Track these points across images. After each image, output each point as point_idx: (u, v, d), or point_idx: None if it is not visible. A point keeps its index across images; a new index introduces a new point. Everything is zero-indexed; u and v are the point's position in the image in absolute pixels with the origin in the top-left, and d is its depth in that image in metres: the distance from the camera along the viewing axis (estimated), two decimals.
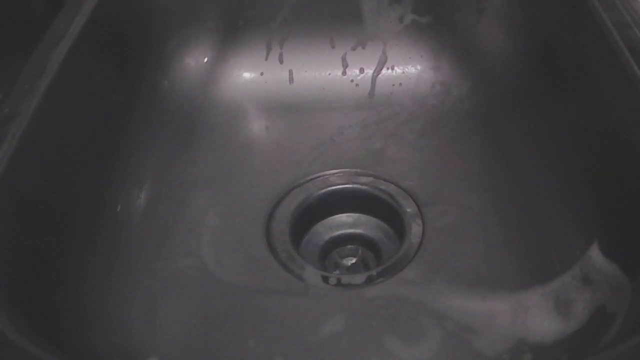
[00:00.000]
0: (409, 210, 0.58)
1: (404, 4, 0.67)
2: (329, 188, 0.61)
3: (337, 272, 0.58)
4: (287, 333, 0.51)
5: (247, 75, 0.68)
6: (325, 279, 0.54)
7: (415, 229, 0.57)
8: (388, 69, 0.68)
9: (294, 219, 0.59)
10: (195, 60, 0.67)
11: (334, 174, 0.62)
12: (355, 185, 0.61)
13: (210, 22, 0.67)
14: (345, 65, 0.68)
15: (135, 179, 0.59)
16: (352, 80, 0.68)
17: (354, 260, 0.59)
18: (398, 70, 0.68)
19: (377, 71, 0.68)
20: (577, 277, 0.50)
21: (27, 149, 0.47)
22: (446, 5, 0.67)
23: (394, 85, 0.68)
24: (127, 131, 0.60)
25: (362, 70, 0.68)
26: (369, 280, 0.54)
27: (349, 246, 0.59)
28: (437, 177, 0.61)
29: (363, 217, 0.60)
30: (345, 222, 0.60)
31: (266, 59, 0.68)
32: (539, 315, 0.50)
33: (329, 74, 0.68)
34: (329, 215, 0.60)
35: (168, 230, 0.57)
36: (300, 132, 0.66)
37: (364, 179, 0.61)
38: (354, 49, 0.68)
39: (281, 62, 0.68)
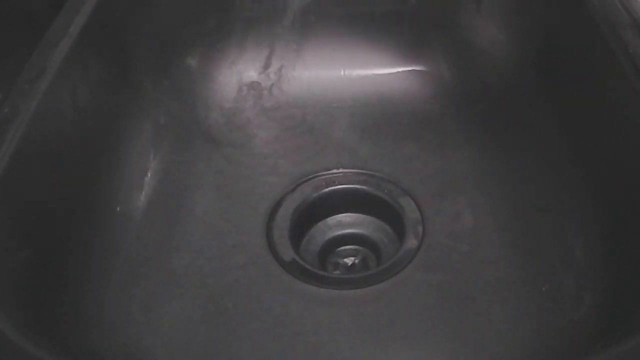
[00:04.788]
0: (409, 210, 0.58)
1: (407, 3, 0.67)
2: (329, 188, 0.61)
3: (337, 272, 0.58)
4: (287, 333, 0.51)
5: (247, 75, 0.68)
6: (325, 279, 0.54)
7: (415, 229, 0.57)
8: (387, 69, 0.68)
9: (294, 219, 0.59)
10: (195, 60, 0.67)
11: (334, 173, 0.62)
12: (355, 185, 0.61)
13: (211, 22, 0.67)
14: (345, 65, 0.68)
15: (135, 179, 0.59)
16: (352, 80, 0.68)
17: (353, 260, 0.59)
18: (397, 70, 0.68)
19: (377, 71, 0.68)
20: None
21: (27, 149, 0.47)
22: (445, 5, 0.67)
23: (394, 85, 0.68)
24: (127, 131, 0.60)
25: (361, 71, 0.68)
26: (369, 281, 0.54)
27: (349, 246, 0.59)
28: (437, 177, 0.61)
29: (363, 217, 0.60)
30: (345, 222, 0.60)
31: (267, 59, 0.68)
32: (537, 320, 0.50)
33: (329, 74, 0.68)
34: (329, 215, 0.60)
35: (168, 231, 0.57)
36: (301, 132, 0.66)
37: (364, 179, 0.61)
38: (353, 49, 0.68)
39: (282, 62, 0.68)
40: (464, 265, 0.54)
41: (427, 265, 0.54)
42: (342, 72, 0.68)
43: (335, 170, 0.62)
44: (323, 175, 0.62)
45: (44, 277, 0.46)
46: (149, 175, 0.60)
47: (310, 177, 0.62)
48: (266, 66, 0.68)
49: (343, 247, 0.59)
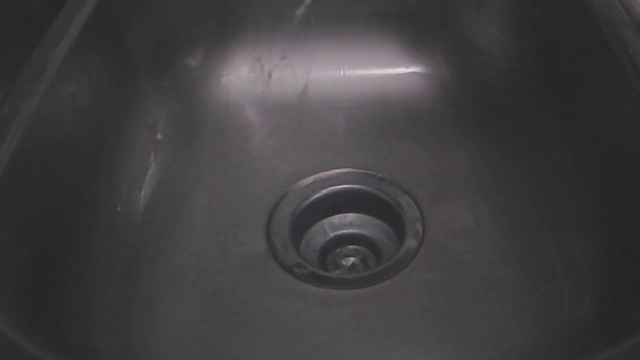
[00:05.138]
0: (409, 210, 0.58)
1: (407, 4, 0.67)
2: (329, 188, 0.61)
3: (337, 272, 0.58)
4: (286, 333, 0.51)
5: (247, 75, 0.68)
6: (325, 279, 0.54)
7: (415, 229, 0.57)
8: (387, 69, 0.68)
9: (294, 219, 0.59)
10: (196, 60, 0.67)
11: (334, 174, 0.62)
12: (355, 185, 0.61)
13: (211, 22, 0.67)
14: (345, 65, 0.68)
15: (135, 179, 0.59)
16: (352, 80, 0.68)
17: (353, 261, 0.59)
18: (398, 70, 0.68)
19: (377, 71, 0.68)
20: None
21: (27, 149, 0.47)
22: (445, 5, 0.67)
23: (394, 86, 0.68)
24: (127, 131, 0.60)
25: (362, 71, 0.68)
26: (369, 281, 0.54)
27: (349, 246, 0.59)
28: (437, 177, 0.61)
29: (363, 217, 0.60)
30: (345, 222, 0.60)
31: (267, 59, 0.68)
32: (537, 320, 0.50)
33: (329, 74, 0.68)
34: (329, 215, 0.60)
35: (168, 231, 0.57)
36: (300, 132, 0.66)
37: (364, 179, 0.61)
38: (354, 48, 0.68)
39: (282, 62, 0.68)
40: (463, 265, 0.54)
41: (427, 265, 0.54)
42: (342, 72, 0.68)
43: (335, 170, 0.62)
44: (323, 175, 0.62)
45: (44, 277, 0.46)
46: (149, 175, 0.60)
47: (310, 177, 0.62)
48: (266, 66, 0.68)
49: (343, 247, 0.59)
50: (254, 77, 0.68)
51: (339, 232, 0.60)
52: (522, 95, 0.62)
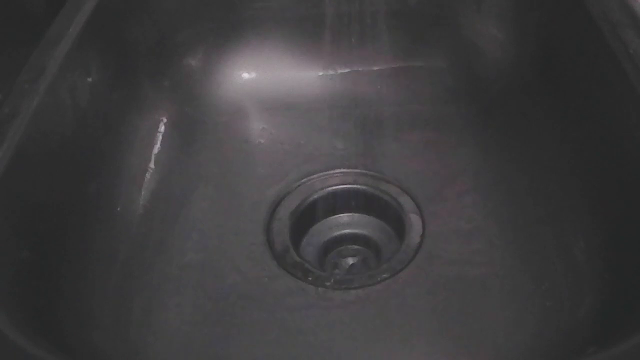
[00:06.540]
0: (409, 210, 0.58)
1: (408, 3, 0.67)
2: (329, 188, 0.61)
3: (337, 272, 0.58)
4: (286, 333, 0.51)
5: (247, 75, 0.68)
6: (325, 279, 0.54)
7: (415, 229, 0.57)
8: (388, 68, 0.68)
9: (294, 219, 0.59)
10: (195, 60, 0.67)
11: (334, 173, 0.62)
12: (355, 185, 0.61)
13: (211, 22, 0.67)
14: (345, 65, 0.68)
15: (135, 179, 0.59)
16: (352, 80, 0.68)
17: (353, 261, 0.59)
18: (398, 70, 0.68)
19: (377, 71, 0.68)
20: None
21: (27, 149, 0.47)
22: (445, 5, 0.67)
23: (394, 85, 0.68)
24: (127, 131, 0.60)
25: (362, 70, 0.68)
26: (369, 281, 0.54)
27: (349, 246, 0.59)
28: (437, 177, 0.61)
29: (363, 217, 0.60)
30: (345, 222, 0.60)
31: (266, 59, 0.68)
32: (537, 320, 0.50)
33: (329, 74, 0.68)
34: (329, 215, 0.60)
35: (168, 230, 0.57)
36: (301, 132, 0.66)
37: (364, 179, 0.61)
38: (353, 48, 0.68)
39: (281, 61, 0.68)
40: (463, 264, 0.54)
41: (427, 265, 0.54)
42: (342, 72, 0.68)
43: (335, 170, 0.62)
44: (323, 175, 0.62)
45: (44, 277, 0.46)
46: (149, 175, 0.60)
47: (310, 177, 0.62)
48: (265, 66, 0.68)
49: (343, 247, 0.59)
50: (254, 76, 0.68)
51: (339, 232, 0.60)
52: (522, 94, 0.62)
